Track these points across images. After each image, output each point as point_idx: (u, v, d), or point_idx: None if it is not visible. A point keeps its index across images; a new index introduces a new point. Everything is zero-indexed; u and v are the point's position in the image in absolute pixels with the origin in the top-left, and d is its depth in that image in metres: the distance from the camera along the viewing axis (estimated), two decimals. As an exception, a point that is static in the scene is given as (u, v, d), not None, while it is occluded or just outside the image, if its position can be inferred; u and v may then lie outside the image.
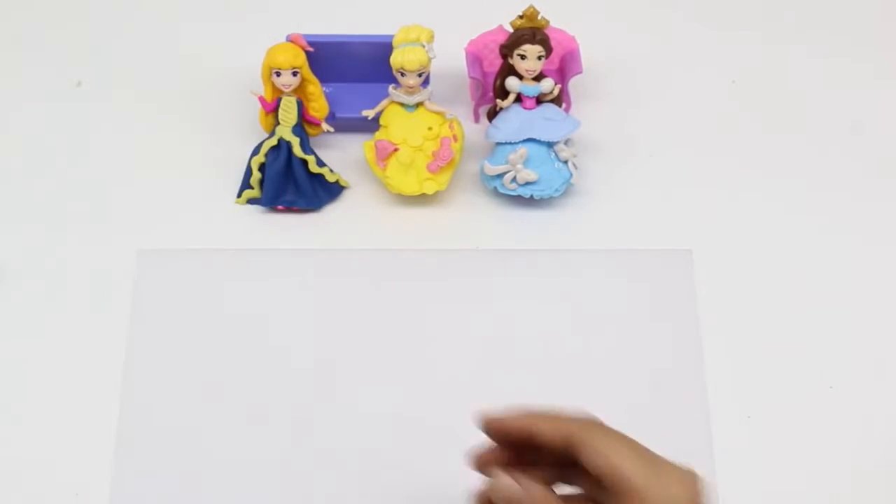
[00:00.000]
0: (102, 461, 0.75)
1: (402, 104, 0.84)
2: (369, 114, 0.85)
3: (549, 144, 0.83)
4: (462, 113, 0.88)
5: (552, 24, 0.84)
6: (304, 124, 0.85)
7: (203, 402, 0.77)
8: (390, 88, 0.84)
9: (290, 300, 0.81)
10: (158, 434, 0.75)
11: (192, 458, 0.74)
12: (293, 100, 0.83)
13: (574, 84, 0.87)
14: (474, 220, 0.85)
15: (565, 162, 0.84)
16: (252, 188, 0.85)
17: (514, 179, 0.83)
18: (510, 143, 0.83)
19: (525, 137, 0.83)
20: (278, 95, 0.84)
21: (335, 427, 0.76)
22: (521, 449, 0.59)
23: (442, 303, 0.81)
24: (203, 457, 0.74)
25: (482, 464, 0.60)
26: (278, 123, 0.84)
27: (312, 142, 0.86)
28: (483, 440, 0.60)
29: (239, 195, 0.86)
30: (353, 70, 0.88)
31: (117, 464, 0.74)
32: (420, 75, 0.82)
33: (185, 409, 0.76)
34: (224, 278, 0.82)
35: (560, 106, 0.86)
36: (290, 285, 0.81)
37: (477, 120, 0.90)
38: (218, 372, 0.78)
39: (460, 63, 0.87)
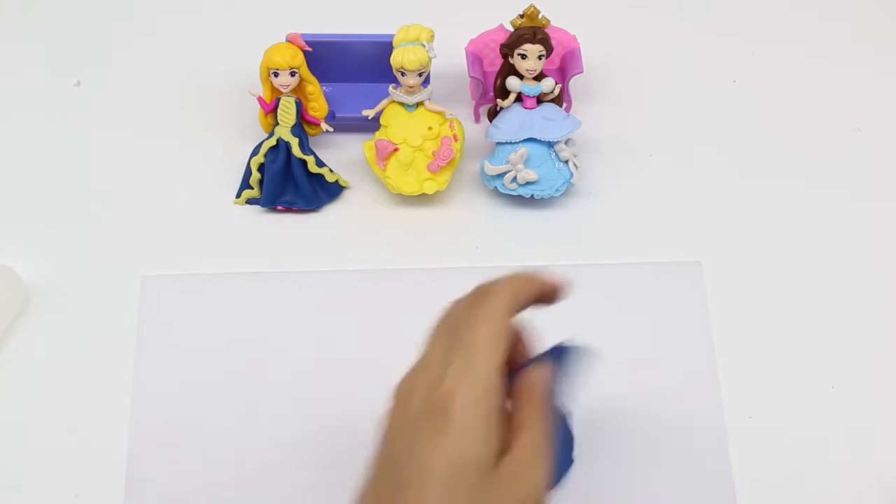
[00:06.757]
0: (111, 469, 0.75)
1: (402, 104, 0.84)
2: (369, 114, 0.85)
3: (550, 144, 0.83)
4: (462, 113, 0.88)
5: (553, 23, 0.84)
6: (303, 124, 0.85)
7: (209, 422, 0.76)
8: (390, 88, 0.84)
9: (293, 322, 0.80)
10: (167, 457, 0.75)
11: (198, 480, 0.74)
12: (292, 100, 0.83)
13: (574, 84, 0.87)
14: (474, 220, 0.85)
15: (566, 162, 0.84)
16: (251, 188, 0.85)
17: (514, 179, 0.83)
18: (510, 143, 0.83)
19: (525, 137, 0.82)
20: (277, 96, 0.83)
21: (342, 450, 0.74)
22: None
23: None
24: (208, 478, 0.74)
25: None
26: (277, 124, 0.84)
27: (312, 142, 0.86)
28: None
29: (238, 195, 0.86)
30: (352, 70, 0.88)
31: (128, 486, 0.74)
32: (420, 75, 0.82)
33: (192, 428, 0.76)
34: (228, 302, 0.81)
35: (560, 105, 0.85)
36: (293, 307, 0.80)
37: (477, 120, 0.89)
38: (223, 391, 0.77)
39: (460, 63, 0.87)
